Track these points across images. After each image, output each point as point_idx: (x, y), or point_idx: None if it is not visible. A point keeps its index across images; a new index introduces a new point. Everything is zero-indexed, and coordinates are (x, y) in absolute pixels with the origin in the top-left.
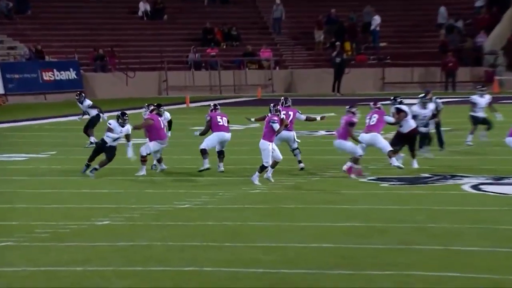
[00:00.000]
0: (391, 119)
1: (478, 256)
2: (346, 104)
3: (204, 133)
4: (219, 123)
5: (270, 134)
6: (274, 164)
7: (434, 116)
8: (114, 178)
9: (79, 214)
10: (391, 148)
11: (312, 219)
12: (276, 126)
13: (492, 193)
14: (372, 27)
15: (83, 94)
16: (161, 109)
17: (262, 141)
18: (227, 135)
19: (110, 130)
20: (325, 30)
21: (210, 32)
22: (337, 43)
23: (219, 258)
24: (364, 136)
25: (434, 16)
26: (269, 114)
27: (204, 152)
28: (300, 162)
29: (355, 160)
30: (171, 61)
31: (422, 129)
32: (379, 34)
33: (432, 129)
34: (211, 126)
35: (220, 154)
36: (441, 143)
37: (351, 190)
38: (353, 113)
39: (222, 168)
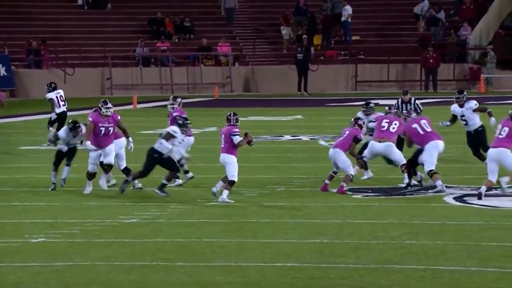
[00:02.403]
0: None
1: (463, 277)
2: (314, 105)
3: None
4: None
5: (234, 148)
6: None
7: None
8: (50, 190)
9: (9, 230)
10: (405, 161)
11: (276, 235)
12: (237, 139)
13: (477, 206)
14: (343, 19)
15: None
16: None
17: (225, 155)
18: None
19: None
20: (294, 22)
21: (160, 24)
22: (304, 36)
23: (171, 280)
24: (376, 146)
25: (413, 6)
26: (227, 125)
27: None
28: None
29: (348, 180)
30: (116, 57)
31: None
32: (350, 26)
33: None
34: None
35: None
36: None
37: (320, 203)
38: (360, 126)
39: (179, 181)
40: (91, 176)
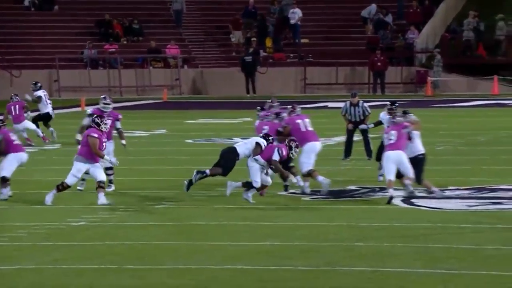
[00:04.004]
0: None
1: (411, 279)
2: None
3: None
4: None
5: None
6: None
7: (362, 121)
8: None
9: None
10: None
11: (226, 237)
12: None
13: (424, 208)
14: (293, 22)
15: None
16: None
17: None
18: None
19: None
20: (244, 25)
21: (108, 26)
22: (253, 39)
23: (121, 283)
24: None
25: (361, 10)
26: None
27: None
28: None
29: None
30: (64, 58)
31: None
32: (300, 29)
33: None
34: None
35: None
36: (369, 152)
37: (270, 205)
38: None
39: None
40: (65, 188)
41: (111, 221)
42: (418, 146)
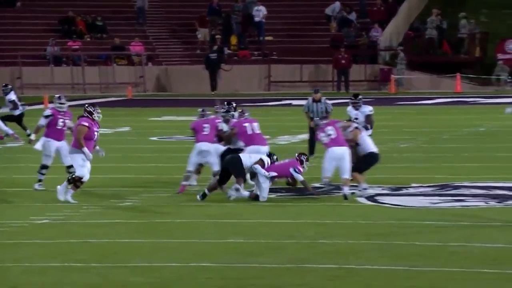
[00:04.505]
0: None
1: (375, 276)
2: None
3: None
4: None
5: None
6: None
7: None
8: None
9: None
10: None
11: (191, 235)
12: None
13: (388, 205)
14: (257, 19)
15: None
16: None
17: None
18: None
19: None
20: (210, 23)
21: (72, 22)
22: (217, 36)
23: (85, 281)
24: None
25: (325, 8)
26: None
27: None
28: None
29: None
30: (27, 55)
31: None
32: (264, 27)
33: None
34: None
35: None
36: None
37: (235, 203)
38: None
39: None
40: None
41: (75, 219)
42: (370, 145)
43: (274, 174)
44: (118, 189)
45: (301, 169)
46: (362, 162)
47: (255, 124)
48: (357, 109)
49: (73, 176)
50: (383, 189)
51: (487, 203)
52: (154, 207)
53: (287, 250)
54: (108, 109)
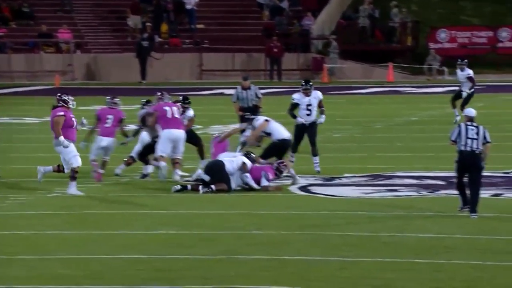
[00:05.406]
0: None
1: (309, 267)
2: (154, 93)
3: None
4: None
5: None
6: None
7: (254, 106)
8: None
9: None
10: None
11: (121, 226)
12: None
13: (322, 195)
14: (188, 7)
15: None
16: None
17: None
18: None
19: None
20: (143, 11)
21: None
22: (148, 24)
23: (11, 274)
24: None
25: None
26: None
27: None
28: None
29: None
30: None
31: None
32: (196, 14)
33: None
34: None
35: None
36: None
37: (168, 193)
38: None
39: None
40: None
41: (1, 210)
42: (281, 132)
43: (266, 184)
44: (45, 179)
45: (271, 177)
46: (273, 148)
47: (175, 108)
48: (308, 95)
49: (74, 169)
50: (316, 179)
51: (419, 193)
52: (83, 198)
53: (219, 242)
54: (35, 98)
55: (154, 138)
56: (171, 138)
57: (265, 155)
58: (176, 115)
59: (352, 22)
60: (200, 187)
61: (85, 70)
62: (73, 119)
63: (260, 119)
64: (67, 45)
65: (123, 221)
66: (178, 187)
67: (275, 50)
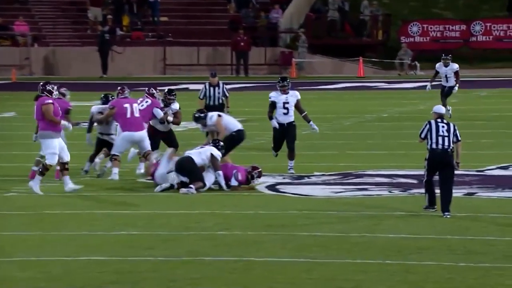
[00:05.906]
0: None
1: (276, 268)
2: (116, 88)
3: None
4: None
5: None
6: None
7: (221, 105)
8: None
9: None
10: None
11: (82, 227)
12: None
13: (290, 195)
14: None
15: None
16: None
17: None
18: None
19: None
20: (103, 2)
21: None
22: (109, 16)
23: None
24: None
25: None
26: None
27: None
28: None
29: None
30: None
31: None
32: (159, 6)
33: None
34: None
35: None
36: None
37: (129, 193)
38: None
39: None
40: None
41: None
42: (234, 124)
43: (236, 184)
44: (2, 178)
45: (241, 179)
46: (231, 140)
47: (135, 106)
48: (286, 93)
49: (46, 165)
50: (284, 178)
51: (391, 192)
52: (42, 197)
53: (184, 242)
54: None
55: (106, 134)
56: (131, 140)
57: (226, 149)
58: (136, 114)
59: (321, 15)
60: (181, 189)
61: (43, 64)
62: (59, 109)
63: (213, 116)
64: (24, 38)
65: (83, 221)
66: (163, 186)
67: (242, 44)
